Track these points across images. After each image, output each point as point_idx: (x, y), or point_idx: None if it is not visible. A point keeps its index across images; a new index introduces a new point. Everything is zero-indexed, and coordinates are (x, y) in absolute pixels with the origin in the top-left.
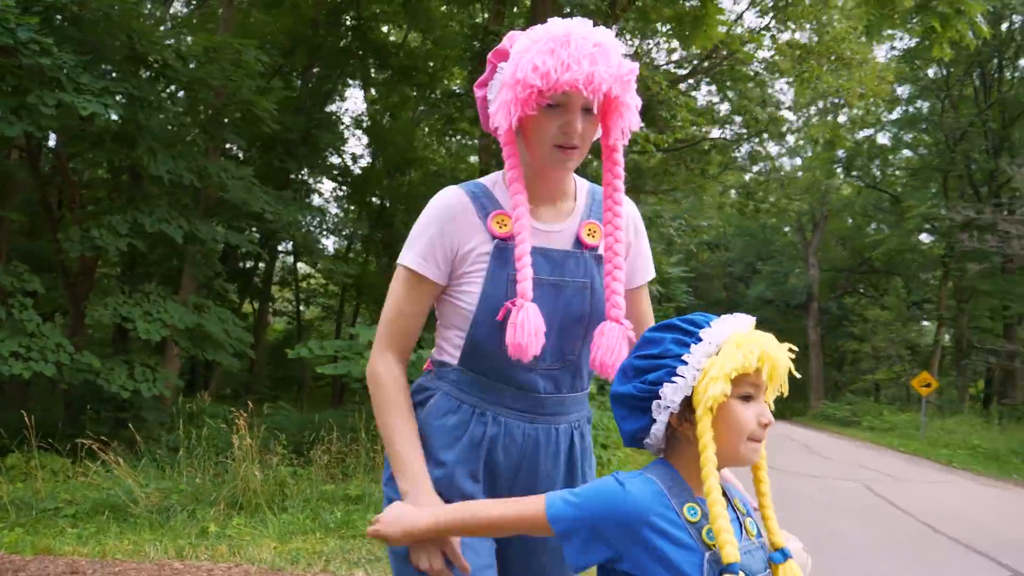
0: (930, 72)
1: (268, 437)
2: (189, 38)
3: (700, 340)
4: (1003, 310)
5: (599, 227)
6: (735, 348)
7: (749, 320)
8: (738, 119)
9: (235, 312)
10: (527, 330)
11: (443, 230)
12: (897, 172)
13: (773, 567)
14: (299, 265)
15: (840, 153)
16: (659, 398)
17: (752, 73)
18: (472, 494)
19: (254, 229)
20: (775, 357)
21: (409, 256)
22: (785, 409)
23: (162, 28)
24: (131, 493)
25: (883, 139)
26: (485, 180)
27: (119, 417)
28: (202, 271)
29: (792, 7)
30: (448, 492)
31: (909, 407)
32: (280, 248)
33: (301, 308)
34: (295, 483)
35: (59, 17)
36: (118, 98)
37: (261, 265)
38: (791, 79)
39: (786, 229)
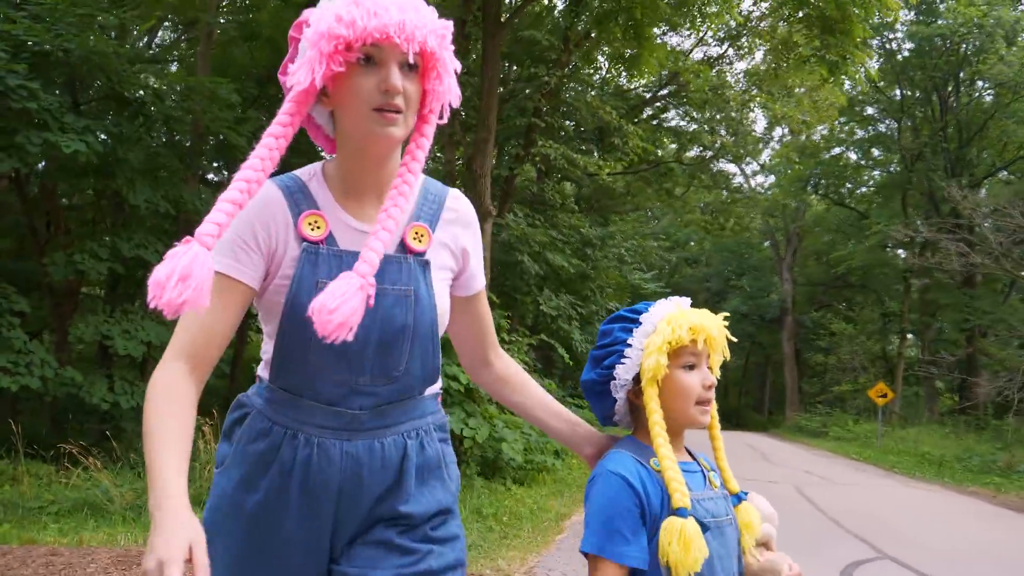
0: (897, 93)
1: None
2: (174, 65)
3: (640, 324)
4: (963, 323)
5: (428, 231)
6: (667, 324)
7: (684, 301)
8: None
9: None
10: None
11: (255, 230)
12: (863, 190)
13: (735, 508)
14: None
15: (817, 170)
16: (615, 379)
17: (702, 101)
18: (291, 529)
19: None
20: (707, 328)
21: (217, 257)
22: (767, 422)
23: (136, 67)
24: (108, 493)
25: (855, 156)
26: (301, 172)
27: (100, 428)
28: None
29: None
30: (267, 521)
31: (874, 418)
32: None
33: None
34: None
35: (48, 60)
36: (99, 134)
37: None
38: (739, 107)
39: (767, 244)
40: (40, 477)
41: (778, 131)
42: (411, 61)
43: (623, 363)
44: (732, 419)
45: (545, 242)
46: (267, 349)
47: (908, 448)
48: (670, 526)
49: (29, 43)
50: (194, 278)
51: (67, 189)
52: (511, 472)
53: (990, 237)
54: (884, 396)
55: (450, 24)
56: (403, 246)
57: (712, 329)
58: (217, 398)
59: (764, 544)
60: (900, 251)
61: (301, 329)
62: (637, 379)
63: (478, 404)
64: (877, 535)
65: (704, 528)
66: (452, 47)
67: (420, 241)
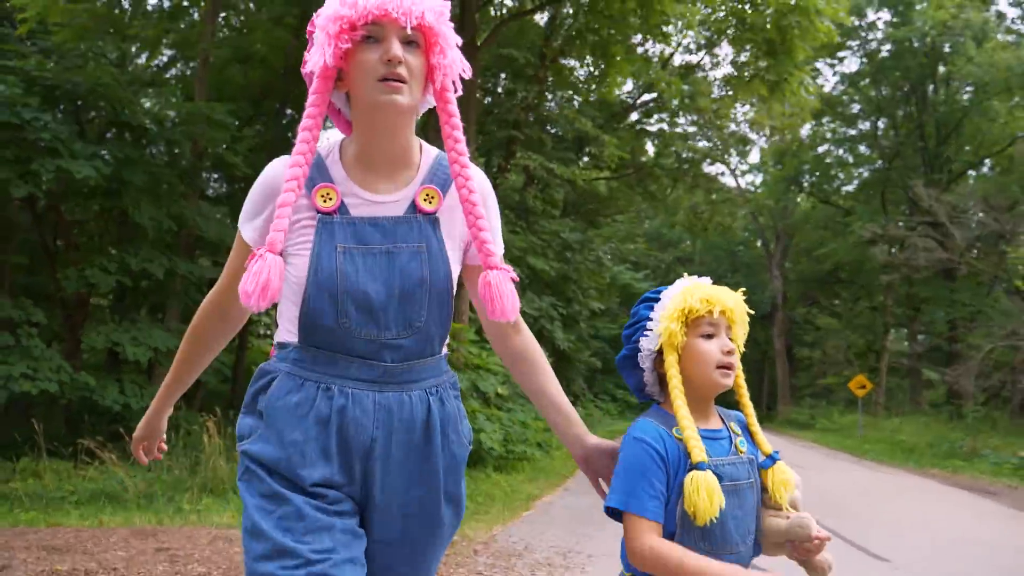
0: (880, 92)
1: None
2: (179, 92)
3: (660, 300)
4: (945, 315)
5: (438, 192)
6: (681, 295)
7: (704, 279)
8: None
9: None
10: (258, 281)
11: (270, 203)
12: (848, 188)
13: (763, 472)
14: None
15: (806, 166)
16: (641, 351)
17: (676, 110)
18: (327, 476)
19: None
20: (722, 299)
21: (244, 227)
22: (762, 417)
23: (137, 89)
24: (123, 483)
25: (842, 152)
26: (322, 148)
27: (111, 428)
28: (183, 301)
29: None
30: (300, 471)
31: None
32: None
33: None
34: None
35: (56, 93)
36: (105, 155)
37: None
38: (711, 115)
39: (760, 243)
40: (60, 472)
41: (762, 133)
42: (410, 34)
43: (646, 335)
44: None
45: (525, 247)
46: (284, 312)
47: (886, 437)
48: (691, 478)
49: (39, 77)
50: (271, 287)
51: (73, 208)
52: (492, 461)
53: (955, 234)
54: (863, 388)
55: (447, 3)
56: (414, 207)
57: (728, 300)
58: (219, 400)
59: (791, 506)
60: (876, 247)
61: (326, 292)
62: (661, 352)
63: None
64: (821, 509)
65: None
66: (451, 24)
67: (430, 202)
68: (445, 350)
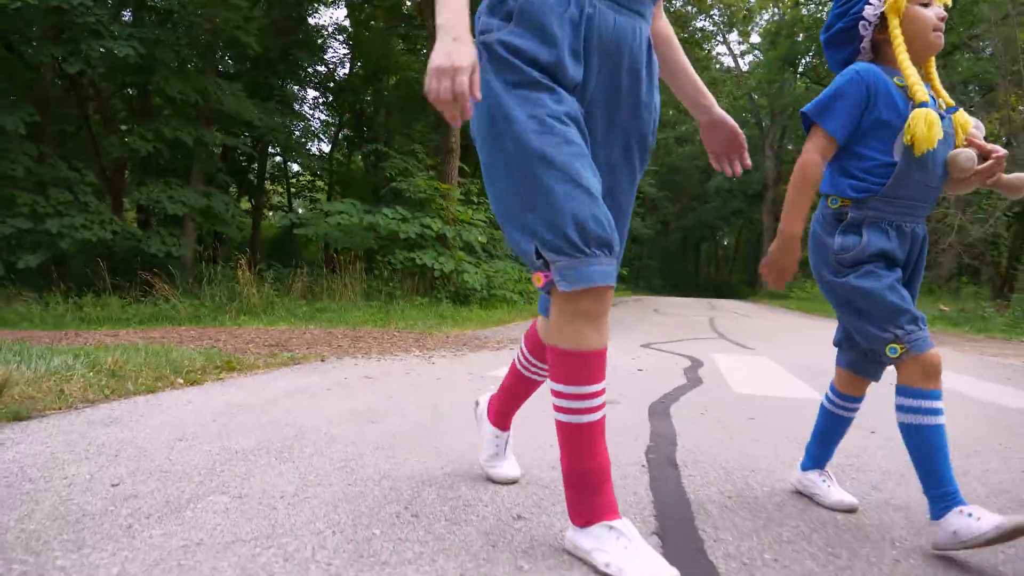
0: None
1: (263, 276)
2: None
3: None
4: None
5: None
6: None
7: None
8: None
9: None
10: None
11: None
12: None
13: (953, 116)
14: (292, 166)
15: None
16: (864, 20)
17: None
18: (574, 76)
19: (247, 135)
20: None
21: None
22: (752, 292)
23: None
24: (175, 307)
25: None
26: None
27: (153, 272)
28: (206, 167)
29: None
30: (564, 68)
31: None
32: (271, 151)
33: (293, 202)
34: (280, 300)
35: None
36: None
37: (255, 166)
38: None
39: (754, 122)
40: (120, 302)
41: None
42: None
43: (871, 4)
44: (724, 291)
45: None
46: None
47: None
48: (916, 113)
49: None
50: None
51: (110, 85)
52: (476, 300)
53: None
54: None
55: None
56: None
57: None
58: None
59: (971, 142)
60: None
61: None
62: (881, 19)
63: (448, 248)
64: (735, 333)
65: None
66: None
67: None
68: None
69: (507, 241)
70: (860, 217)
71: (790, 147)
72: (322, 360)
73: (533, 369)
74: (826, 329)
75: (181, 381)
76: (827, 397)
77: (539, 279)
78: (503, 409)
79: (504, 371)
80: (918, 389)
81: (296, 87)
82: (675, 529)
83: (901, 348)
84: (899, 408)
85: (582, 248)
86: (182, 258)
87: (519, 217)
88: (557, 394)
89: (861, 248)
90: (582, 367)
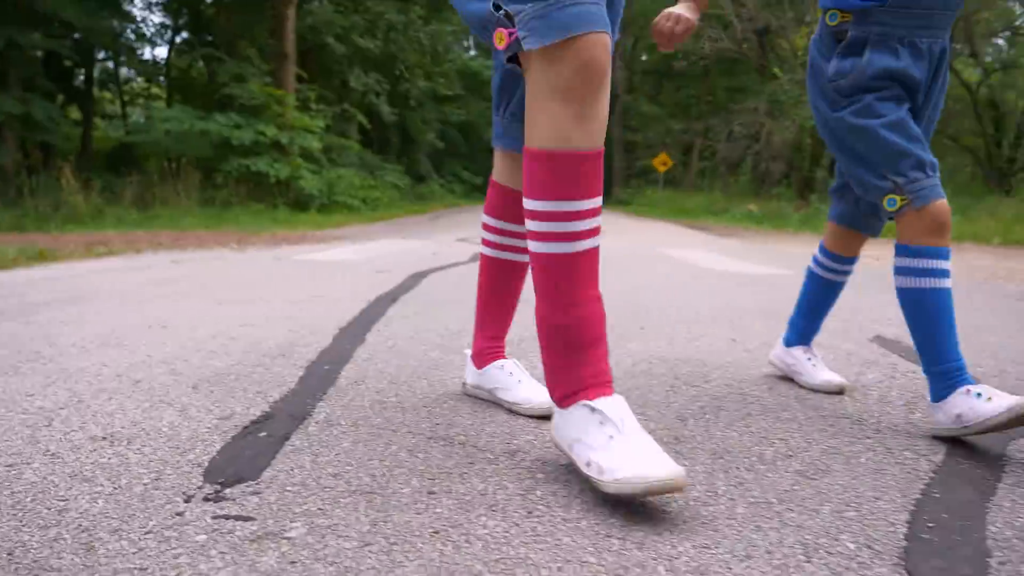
0: None
1: (91, 185)
2: None
3: None
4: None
5: None
6: None
7: None
8: None
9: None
10: None
11: None
12: None
13: None
14: (125, 71)
15: None
16: None
17: None
18: None
19: (72, 37)
20: None
21: None
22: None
23: None
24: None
25: None
26: None
27: None
28: (22, 71)
29: None
30: None
31: (672, 187)
32: (101, 56)
33: (128, 111)
34: (110, 209)
35: None
36: None
37: (83, 71)
38: None
39: None
40: None
41: None
42: None
43: None
44: None
45: (348, 26)
46: None
47: (678, 205)
48: None
49: None
50: None
51: None
52: (316, 206)
53: (735, 24)
54: (665, 164)
55: None
56: None
57: None
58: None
59: None
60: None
61: None
62: None
63: (285, 155)
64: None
65: None
66: None
67: None
68: None
69: None
70: (862, 35)
71: (643, 58)
72: (137, 252)
73: (501, 240)
74: (653, 229)
75: None
76: (815, 260)
77: (500, 37)
78: (494, 331)
79: (311, 255)
80: (923, 247)
81: None
82: None
83: (901, 199)
84: (899, 271)
85: None
86: (3, 167)
87: None
88: (531, 214)
89: (861, 70)
90: (564, 173)
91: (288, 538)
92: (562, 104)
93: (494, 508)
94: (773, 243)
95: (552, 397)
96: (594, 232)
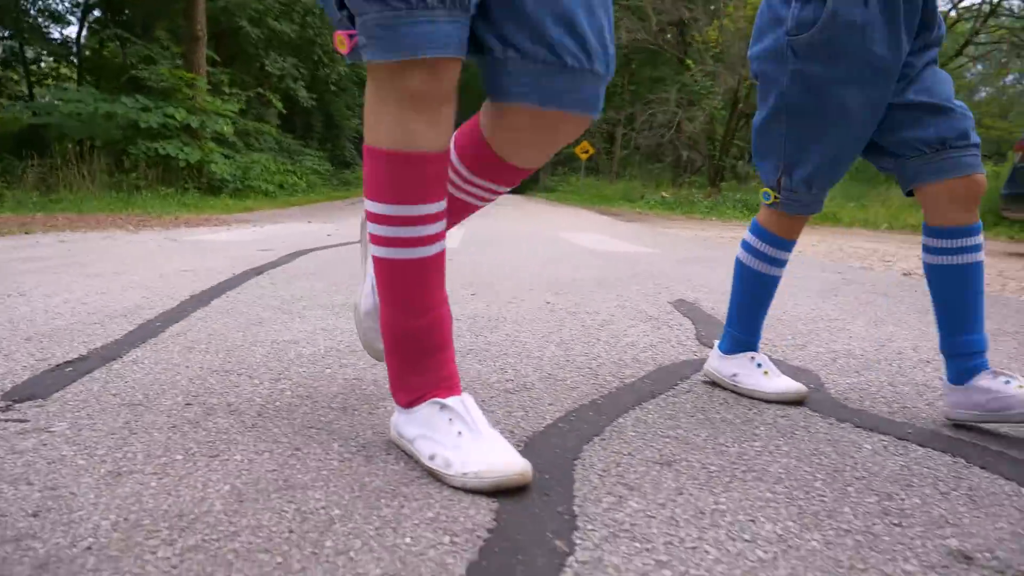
0: None
1: None
2: None
3: None
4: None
5: None
6: None
7: None
8: None
9: None
10: None
11: None
12: None
13: None
14: (29, 51)
15: None
16: None
17: None
18: None
19: None
20: None
21: None
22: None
23: None
24: None
25: None
26: None
27: None
28: None
29: None
30: None
31: (595, 175)
32: (5, 35)
33: (35, 92)
34: (9, 192)
35: None
36: None
37: None
38: None
39: None
40: None
41: None
42: None
43: None
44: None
45: (264, 9)
46: None
47: (599, 192)
48: None
49: None
50: None
51: None
52: (229, 191)
53: (652, 16)
54: (586, 152)
55: None
56: None
57: None
58: None
59: None
60: None
61: None
62: None
63: (196, 139)
64: (487, 218)
65: None
66: None
67: None
68: None
69: None
70: None
71: None
72: (27, 233)
73: (463, 186)
74: (565, 214)
75: None
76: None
77: (341, 41)
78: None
79: (204, 236)
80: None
81: None
82: None
83: (775, 199)
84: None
85: None
86: None
87: None
88: (374, 217)
89: (824, 23)
90: (410, 176)
91: (51, 432)
92: (412, 111)
93: (233, 413)
94: (676, 228)
95: (396, 400)
96: (441, 236)
